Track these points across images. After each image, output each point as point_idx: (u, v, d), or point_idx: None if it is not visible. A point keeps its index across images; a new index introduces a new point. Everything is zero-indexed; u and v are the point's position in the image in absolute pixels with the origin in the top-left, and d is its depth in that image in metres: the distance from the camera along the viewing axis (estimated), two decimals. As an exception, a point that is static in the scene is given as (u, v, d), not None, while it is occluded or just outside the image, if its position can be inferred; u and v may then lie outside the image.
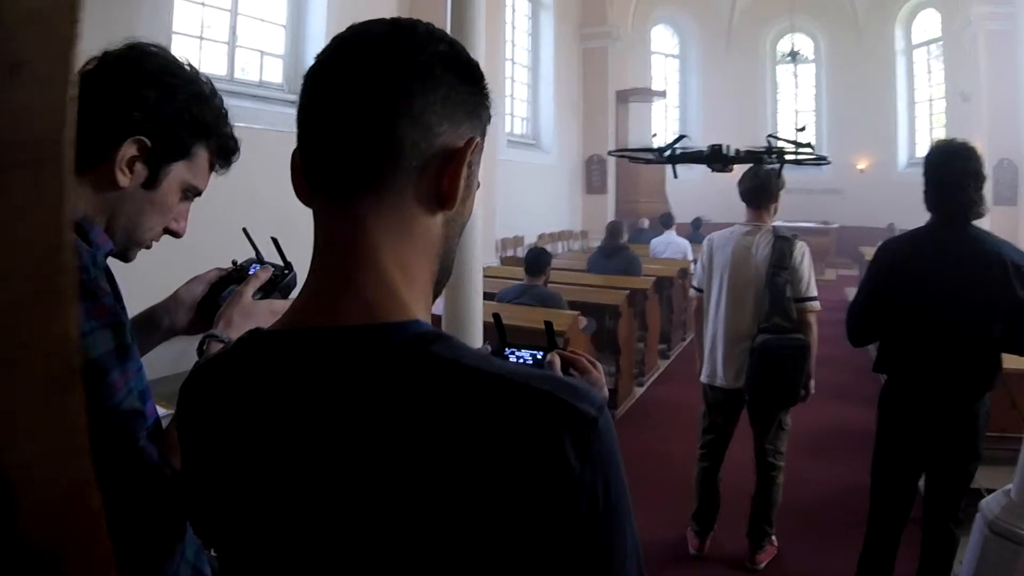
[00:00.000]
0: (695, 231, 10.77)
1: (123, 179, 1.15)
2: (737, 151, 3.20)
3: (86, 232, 1.14)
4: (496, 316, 1.36)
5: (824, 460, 5.09)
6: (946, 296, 2.78)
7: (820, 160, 2.94)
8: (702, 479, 3.94)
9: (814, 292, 3.64)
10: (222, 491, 0.82)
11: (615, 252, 7.59)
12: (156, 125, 1.16)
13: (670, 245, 8.91)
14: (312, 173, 0.81)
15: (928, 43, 17.37)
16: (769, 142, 3.00)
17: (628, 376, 6.40)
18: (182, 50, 6.31)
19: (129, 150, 1.15)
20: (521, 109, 13.81)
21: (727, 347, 3.71)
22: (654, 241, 9.32)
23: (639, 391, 6.77)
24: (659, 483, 4.75)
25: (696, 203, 14.04)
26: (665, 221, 9.65)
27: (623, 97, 15.60)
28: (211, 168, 1.28)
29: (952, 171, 2.82)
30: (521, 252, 11.43)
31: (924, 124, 17.51)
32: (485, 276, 7.42)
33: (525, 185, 12.15)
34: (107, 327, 1.05)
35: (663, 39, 19.17)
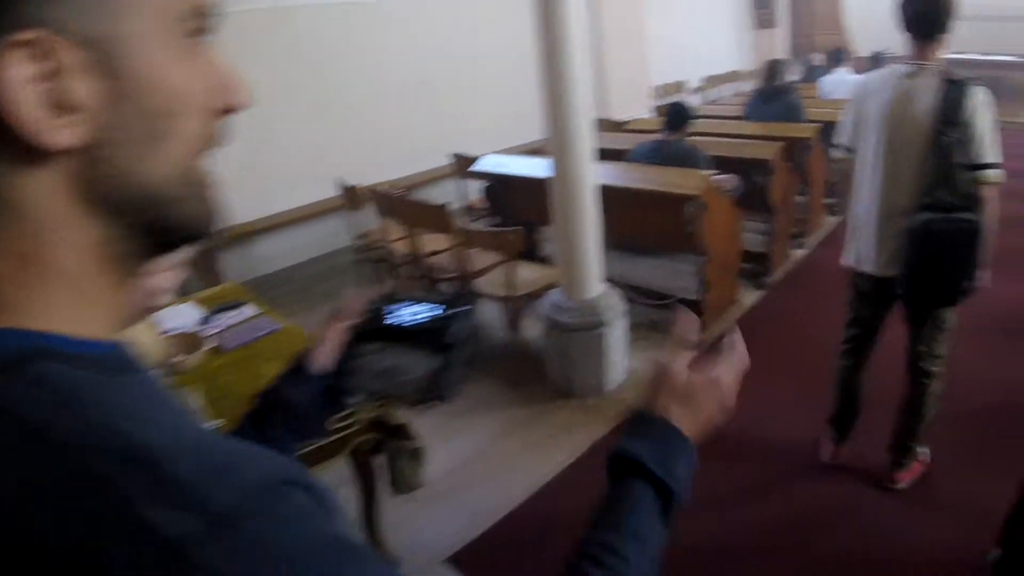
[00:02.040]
0: (875, 68, 9.47)
1: None
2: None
3: None
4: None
5: (1003, 353, 4.26)
6: None
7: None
8: (843, 379, 3.38)
9: (994, 157, 2.77)
10: None
11: (774, 95, 6.72)
12: None
13: (841, 84, 7.79)
14: None
15: None
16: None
17: (783, 239, 5.71)
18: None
19: None
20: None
21: (879, 225, 2.99)
22: (822, 80, 8.24)
23: (799, 254, 6.09)
24: (801, 372, 4.22)
25: (881, 35, 12.35)
26: (836, 56, 8.48)
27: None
28: None
29: None
30: (685, 98, 10.57)
31: None
32: (630, 131, 6.89)
33: (683, 24, 11.07)
34: None
35: None
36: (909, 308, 3.08)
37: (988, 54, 13.03)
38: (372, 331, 1.06)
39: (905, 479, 3.25)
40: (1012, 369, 4.07)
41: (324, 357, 1.06)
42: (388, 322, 1.04)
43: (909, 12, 2.85)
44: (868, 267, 3.08)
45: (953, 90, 2.75)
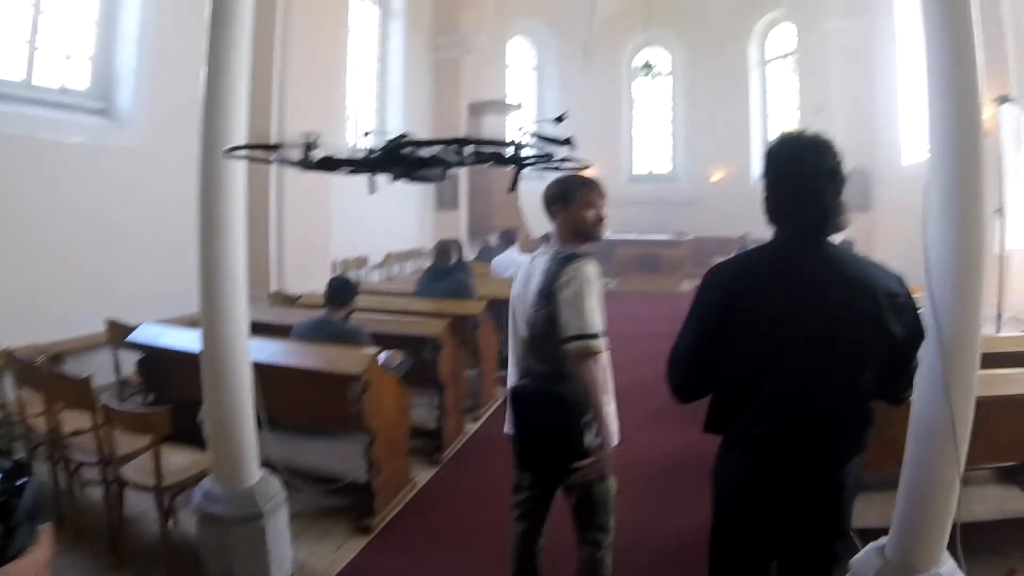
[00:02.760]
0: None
1: None
2: (454, 151, 2.23)
3: None
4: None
5: (679, 497, 4.47)
6: (803, 339, 2.09)
7: (555, 161, 2.16)
8: (517, 545, 3.23)
9: (590, 329, 2.76)
10: None
11: (445, 273, 6.97)
12: None
13: (511, 263, 8.32)
14: None
15: (783, 56, 17.72)
16: (528, 136, 2.24)
17: (455, 413, 5.76)
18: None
19: None
20: (367, 121, 13.03)
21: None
22: (496, 259, 8.75)
23: (473, 427, 6.16)
24: (479, 545, 4.13)
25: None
26: (508, 236, 9.11)
27: (477, 110, 14.99)
28: None
29: (804, 171, 2.15)
30: (366, 274, 10.77)
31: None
32: (303, 305, 6.76)
33: (369, 201, 11.38)
34: None
35: (521, 50, 18.82)
36: (546, 475, 3.06)
37: (649, 234, 15.24)
38: None
39: None
40: (686, 513, 4.25)
41: None
42: None
43: (543, 197, 3.06)
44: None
45: (555, 265, 2.85)
